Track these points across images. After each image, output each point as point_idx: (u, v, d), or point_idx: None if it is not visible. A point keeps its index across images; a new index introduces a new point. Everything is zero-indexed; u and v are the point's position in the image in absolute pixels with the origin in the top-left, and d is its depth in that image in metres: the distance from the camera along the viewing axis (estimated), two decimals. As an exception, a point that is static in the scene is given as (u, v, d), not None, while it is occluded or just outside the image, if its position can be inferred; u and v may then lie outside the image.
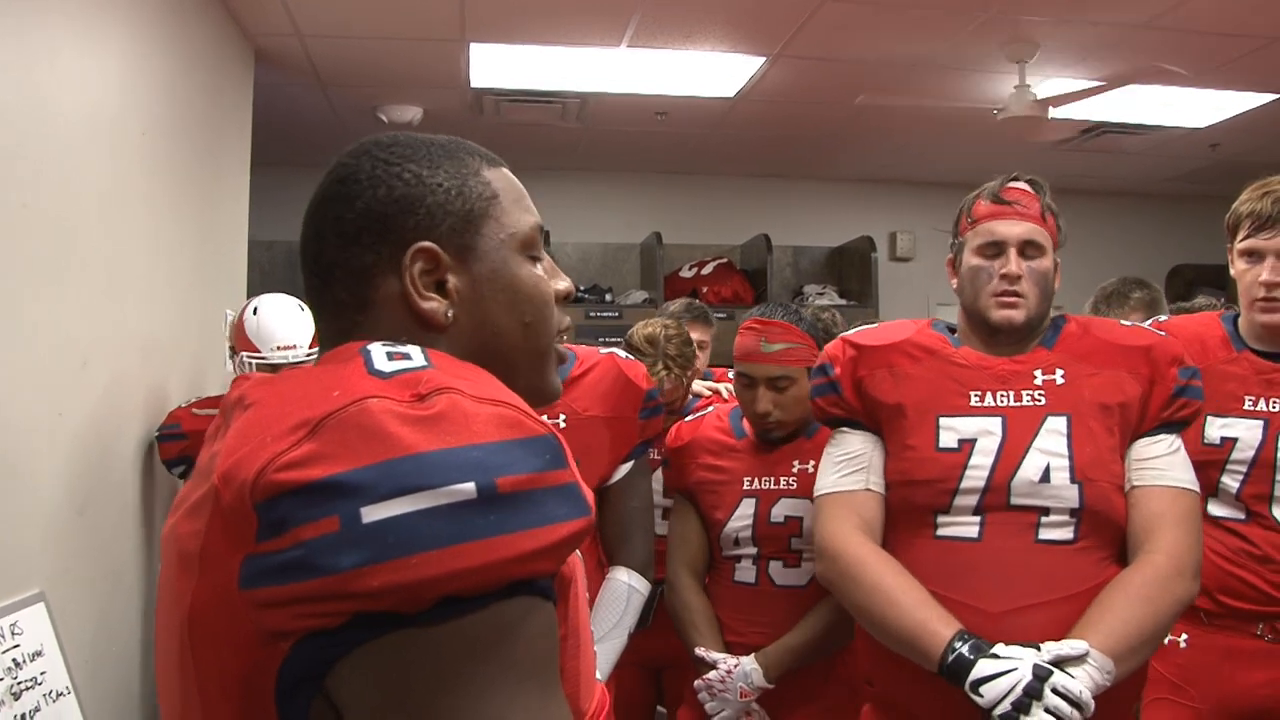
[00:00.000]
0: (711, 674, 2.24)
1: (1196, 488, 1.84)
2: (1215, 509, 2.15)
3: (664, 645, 2.49)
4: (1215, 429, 2.14)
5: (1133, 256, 7.10)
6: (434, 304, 0.92)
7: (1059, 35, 4.47)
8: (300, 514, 0.71)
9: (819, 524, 1.95)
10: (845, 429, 2.00)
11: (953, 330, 1.99)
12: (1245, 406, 2.13)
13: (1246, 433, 2.11)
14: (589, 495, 0.81)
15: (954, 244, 1.99)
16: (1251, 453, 2.10)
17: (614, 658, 2.17)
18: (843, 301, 6.98)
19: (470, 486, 0.72)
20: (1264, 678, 2.08)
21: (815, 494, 1.99)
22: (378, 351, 0.83)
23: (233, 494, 0.74)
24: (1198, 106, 5.54)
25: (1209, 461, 2.13)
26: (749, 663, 2.22)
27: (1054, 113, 4.91)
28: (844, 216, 7.42)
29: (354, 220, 0.92)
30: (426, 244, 0.91)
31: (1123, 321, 1.99)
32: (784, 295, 6.94)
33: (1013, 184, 1.94)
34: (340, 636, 0.72)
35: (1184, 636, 2.17)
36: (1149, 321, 2.29)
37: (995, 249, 1.89)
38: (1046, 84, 5.01)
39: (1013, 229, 1.88)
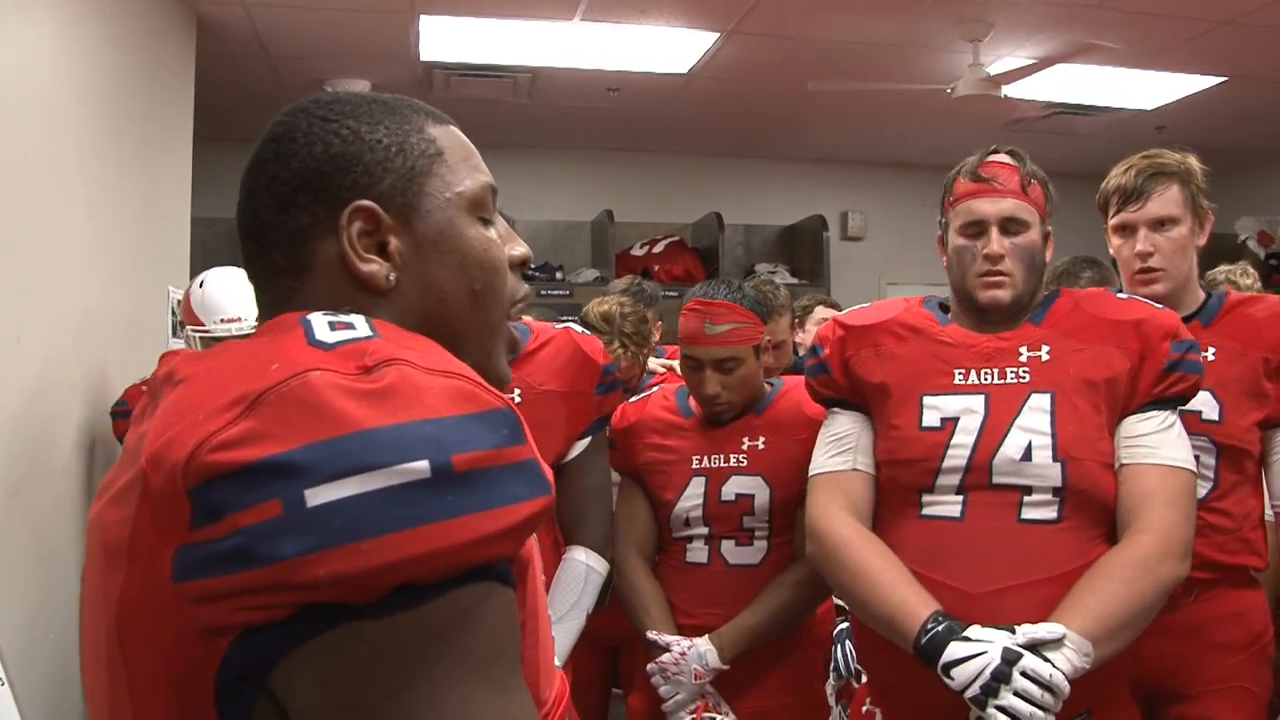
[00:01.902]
0: (665, 657, 2.21)
1: (1191, 466, 1.80)
2: None
3: (619, 624, 2.46)
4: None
5: (1083, 237, 7.11)
6: (374, 266, 0.86)
7: (1013, 13, 4.48)
8: (238, 498, 0.65)
9: (808, 504, 1.94)
10: (836, 409, 1.99)
11: (945, 308, 1.97)
12: None
13: None
14: (548, 473, 0.76)
15: (941, 222, 1.97)
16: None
17: (572, 640, 2.14)
18: (794, 280, 6.99)
19: (424, 465, 0.67)
20: (1152, 650, 1.90)
21: (810, 474, 1.98)
22: (319, 321, 0.77)
23: (163, 478, 0.68)
24: (1146, 89, 5.58)
25: None
26: (703, 644, 2.20)
27: (1008, 92, 4.91)
28: (796, 195, 7.42)
29: (289, 180, 0.86)
30: (365, 202, 0.86)
31: (1119, 295, 1.96)
32: (735, 274, 6.92)
33: (991, 158, 1.90)
34: (285, 630, 0.66)
35: None
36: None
37: (977, 228, 1.86)
38: (1000, 63, 5.02)
39: (992, 207, 1.85)
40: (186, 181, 4.15)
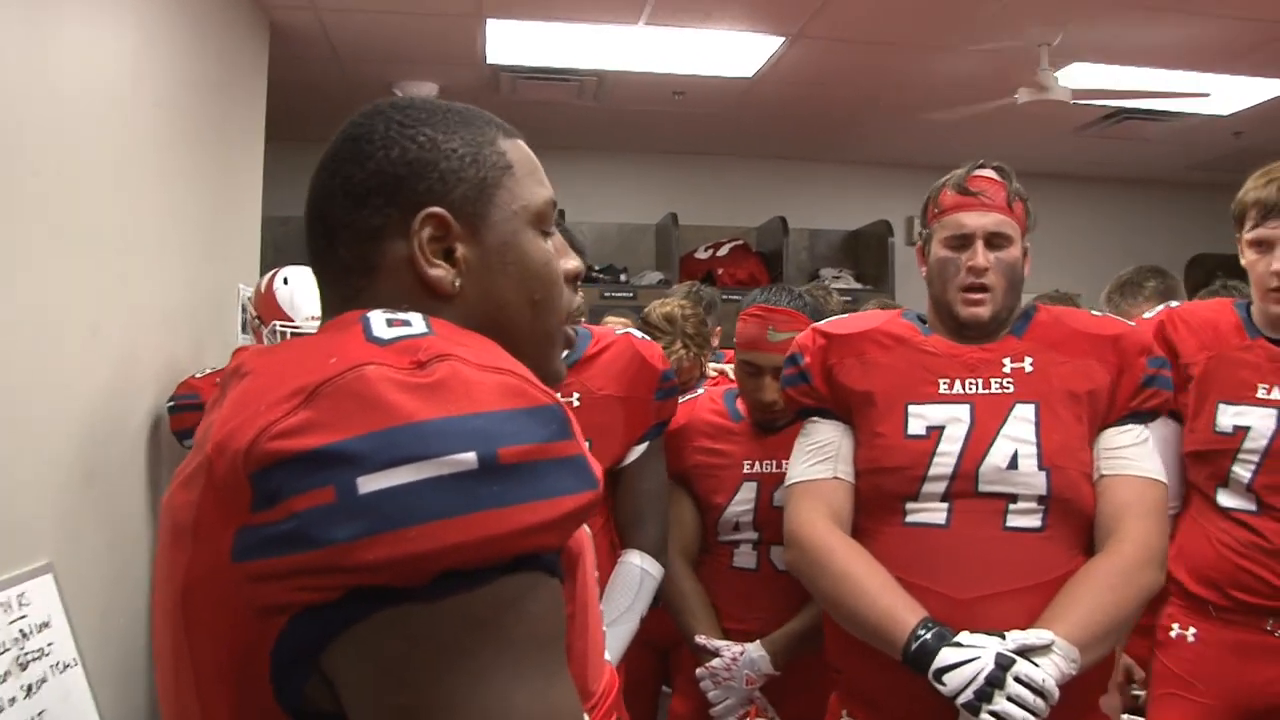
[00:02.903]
0: (715, 661, 2.21)
1: (1164, 478, 1.84)
2: (1225, 499, 2.11)
3: (669, 625, 2.47)
4: (1227, 417, 2.10)
5: (1152, 245, 7.04)
6: (441, 271, 0.89)
7: (1082, 16, 4.41)
8: (294, 484, 0.69)
9: (788, 513, 1.94)
10: (815, 418, 2.00)
11: (923, 320, 1.98)
12: (1259, 395, 2.08)
13: (1260, 421, 2.06)
14: (597, 468, 0.78)
15: (922, 233, 1.98)
16: (1265, 442, 2.05)
17: (626, 642, 2.15)
18: (858, 285, 6.95)
19: (471, 456, 0.70)
20: (1274, 674, 2.04)
21: (785, 484, 1.99)
22: (377, 318, 0.81)
23: (226, 464, 0.72)
24: (1222, 93, 5.46)
25: (1220, 450, 2.10)
26: (755, 649, 2.19)
27: (1077, 97, 4.84)
28: (861, 200, 7.37)
29: (364, 180, 0.90)
30: (437, 209, 0.89)
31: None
32: (799, 278, 6.89)
33: (979, 172, 1.91)
34: (335, 612, 0.70)
35: (1192, 630, 2.15)
36: (1160, 307, 2.26)
37: (962, 241, 1.87)
38: (1069, 68, 4.95)
39: (979, 220, 1.86)
40: (258, 181, 4.23)
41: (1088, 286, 3.60)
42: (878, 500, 1.88)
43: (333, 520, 0.68)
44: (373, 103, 0.96)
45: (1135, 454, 1.83)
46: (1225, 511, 2.11)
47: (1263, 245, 2.09)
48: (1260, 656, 2.06)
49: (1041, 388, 1.83)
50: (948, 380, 1.86)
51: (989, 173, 1.91)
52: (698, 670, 2.24)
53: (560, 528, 0.74)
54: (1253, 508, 2.08)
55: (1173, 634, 2.17)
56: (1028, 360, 1.85)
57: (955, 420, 1.83)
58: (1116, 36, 4.65)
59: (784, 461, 2.29)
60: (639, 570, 2.19)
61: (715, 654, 2.21)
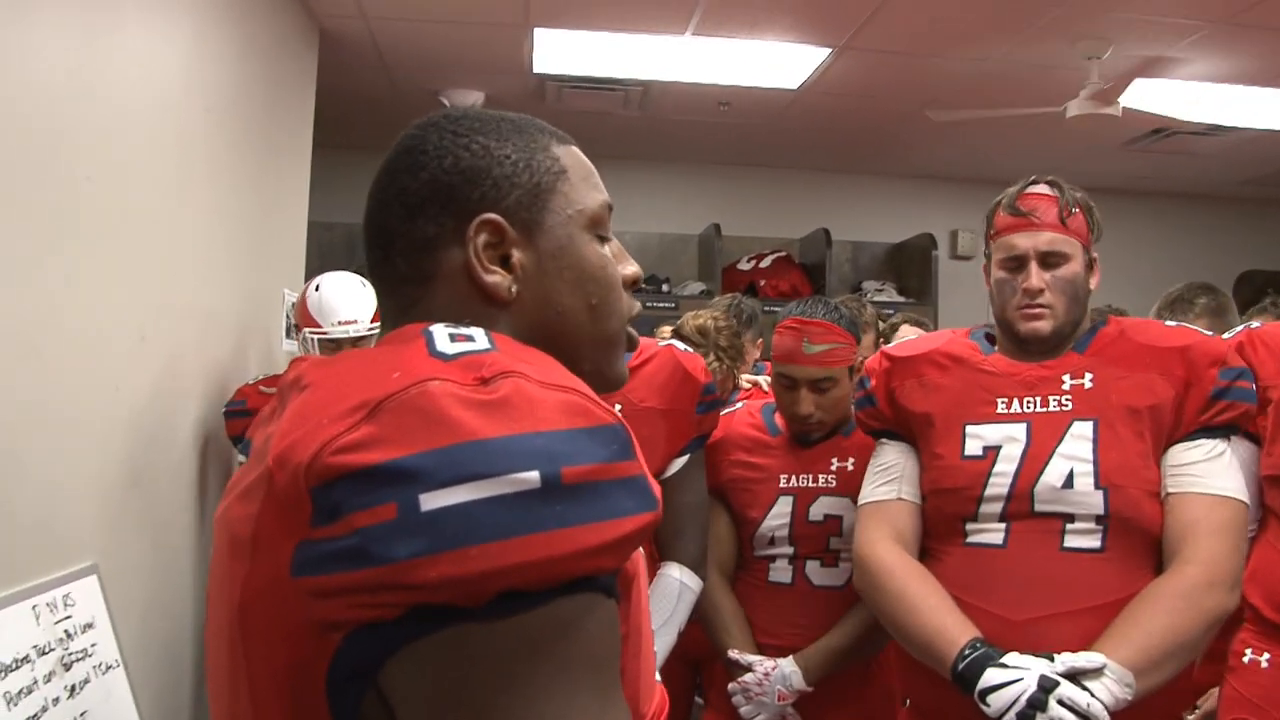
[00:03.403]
0: (748, 676, 2.20)
1: (1242, 496, 1.76)
2: None
3: (703, 637, 2.46)
4: None
5: (1201, 260, 6.95)
6: (498, 278, 0.89)
7: (1131, 30, 4.37)
8: (356, 500, 0.69)
9: (855, 534, 1.96)
10: (884, 440, 2.02)
11: (991, 339, 1.97)
12: None
13: None
14: (656, 488, 0.78)
15: (986, 253, 1.97)
16: None
17: (664, 655, 2.14)
18: (901, 299, 6.90)
19: (534, 475, 0.69)
20: None
21: (858, 505, 2.00)
22: (440, 333, 0.80)
23: (287, 477, 0.72)
24: (1276, 107, 5.38)
25: None
26: (788, 665, 2.18)
27: (1126, 111, 4.79)
28: (905, 212, 7.33)
29: (418, 190, 0.90)
30: (492, 216, 0.89)
31: (1167, 322, 1.93)
32: (842, 290, 6.86)
33: (1030, 190, 1.88)
34: (394, 630, 0.69)
35: (1265, 656, 2.10)
36: (1240, 327, 2.21)
37: (1016, 263, 1.86)
38: (1118, 82, 4.90)
39: (1030, 241, 1.84)
40: (305, 187, 4.28)
41: (1134, 302, 3.56)
42: (940, 521, 1.88)
43: (394, 537, 0.67)
44: (427, 115, 0.96)
45: (1205, 470, 1.75)
46: None
47: None
48: None
49: (1100, 404, 1.79)
50: (1006, 400, 1.84)
51: (1041, 189, 1.88)
52: (730, 685, 2.23)
53: (620, 549, 0.74)
54: None
55: (1245, 659, 2.12)
56: (1088, 376, 1.82)
57: (1011, 440, 1.81)
58: (1167, 52, 4.59)
59: (820, 476, 2.28)
60: (678, 583, 2.18)
61: (748, 669, 2.20)
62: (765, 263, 6.95)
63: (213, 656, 0.85)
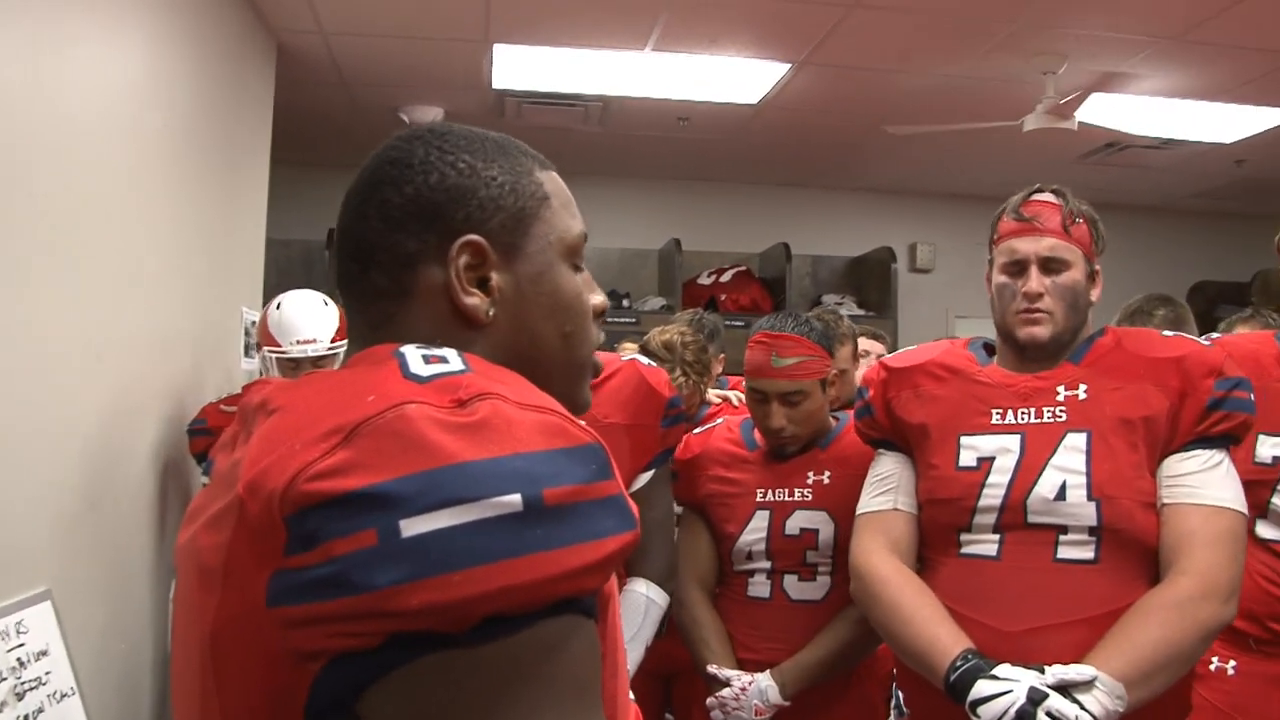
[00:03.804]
0: (725, 691, 2.19)
1: (1240, 506, 1.75)
2: (1264, 531, 2.10)
3: (674, 653, 2.45)
4: (1267, 448, 2.09)
5: (1155, 273, 7.03)
6: (476, 300, 0.88)
7: (1086, 46, 4.43)
8: (334, 527, 0.67)
9: (852, 544, 1.96)
10: (881, 450, 2.02)
11: (990, 350, 1.97)
12: None
13: None
14: (634, 507, 0.76)
15: (989, 259, 1.97)
16: None
17: (631, 670, 2.13)
18: (861, 312, 6.94)
19: (516, 498, 0.68)
20: None
21: (855, 515, 2.01)
22: (413, 354, 0.78)
23: (260, 505, 0.70)
24: (1225, 122, 5.48)
25: (1259, 481, 2.06)
26: (764, 679, 2.17)
27: (1081, 125, 4.85)
28: (864, 226, 7.39)
29: (402, 205, 0.88)
30: (475, 237, 0.88)
31: (1165, 332, 1.93)
32: (802, 305, 6.89)
33: (1035, 197, 1.90)
34: (375, 658, 0.67)
35: (1232, 663, 2.13)
36: (1216, 335, 2.23)
37: (1017, 267, 1.86)
38: (1073, 97, 4.96)
39: (1032, 246, 1.85)
40: (263, 203, 4.24)
41: (1091, 314, 3.61)
42: (935, 531, 1.88)
43: (375, 565, 0.66)
44: (410, 128, 0.95)
45: (1201, 480, 1.75)
46: (1264, 543, 2.09)
47: None
48: None
49: (1094, 416, 1.79)
50: (1000, 411, 1.85)
51: (1046, 196, 1.89)
52: (708, 700, 2.22)
53: (602, 569, 0.72)
54: None
55: (1212, 667, 2.14)
56: (1082, 388, 1.82)
57: (1005, 451, 1.81)
58: (1120, 67, 4.66)
59: (797, 490, 2.28)
60: (644, 599, 2.17)
61: (725, 683, 2.19)
62: (725, 277, 6.97)
63: (180, 691, 0.82)
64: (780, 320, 2.30)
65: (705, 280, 6.98)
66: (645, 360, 2.30)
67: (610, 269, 7.07)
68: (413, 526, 0.66)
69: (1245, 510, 1.76)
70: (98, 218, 2.47)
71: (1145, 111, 5.25)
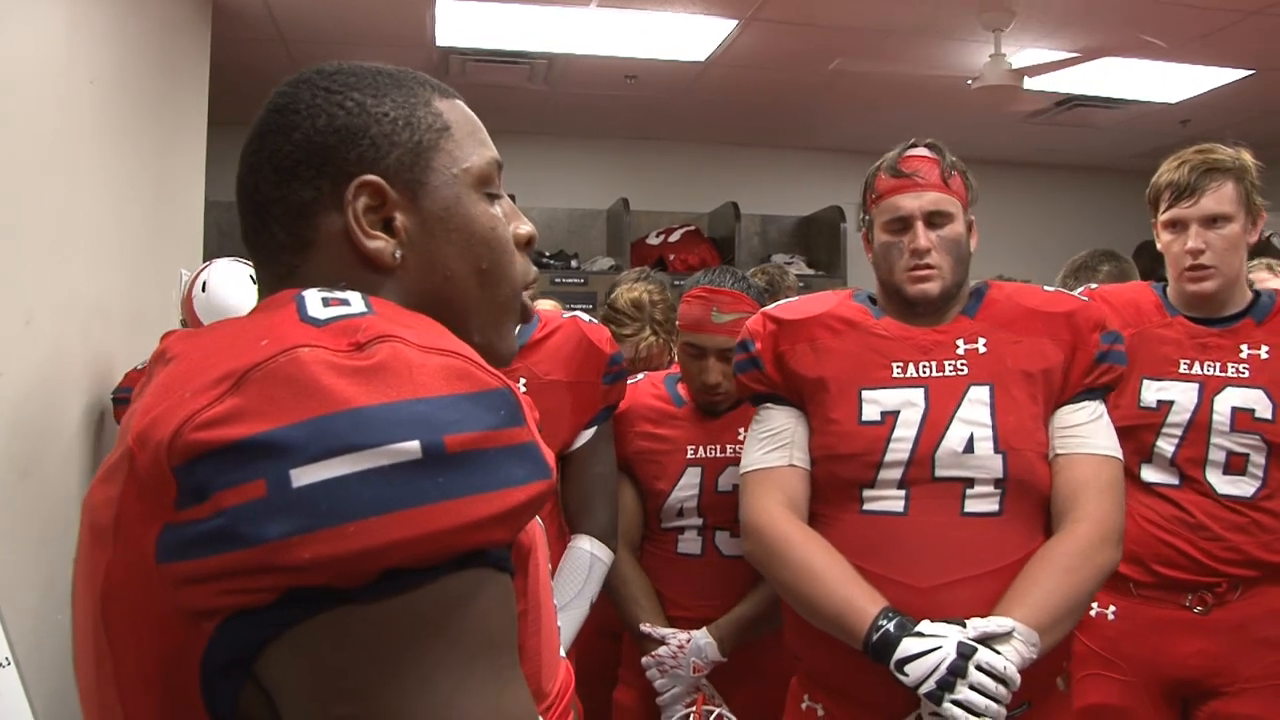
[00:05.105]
0: (662, 650, 2.18)
1: (1119, 454, 1.82)
2: (1149, 474, 2.17)
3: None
4: (1151, 392, 2.15)
5: (1102, 232, 7.08)
6: (380, 243, 0.84)
7: (1036, 4, 4.42)
8: (222, 477, 0.63)
9: (744, 502, 1.91)
10: (769, 405, 1.96)
11: (874, 301, 1.95)
12: (1180, 370, 2.15)
13: (1182, 395, 2.13)
14: (549, 456, 0.73)
15: (863, 219, 1.97)
16: (1187, 415, 2.12)
17: (576, 628, 2.12)
18: (810, 271, 6.95)
19: (414, 445, 0.65)
20: (1193, 648, 2.09)
21: (740, 471, 1.96)
22: (312, 297, 0.75)
23: (148, 456, 0.66)
24: (1170, 81, 5.51)
25: (1144, 425, 2.14)
26: (702, 636, 2.17)
27: (1028, 84, 4.86)
28: (814, 186, 7.36)
29: (291, 153, 0.84)
30: (371, 177, 0.84)
31: (1046, 288, 1.95)
32: (751, 264, 6.85)
33: (911, 152, 1.90)
34: (270, 615, 0.64)
35: (1111, 609, 2.19)
36: (1079, 290, 2.27)
37: (901, 224, 1.86)
38: (1022, 54, 4.96)
39: (915, 202, 1.84)
40: (201, 164, 4.13)
41: (1036, 273, 3.61)
42: (834, 487, 1.85)
43: (265, 516, 0.63)
44: (299, 71, 0.90)
45: (1090, 431, 1.81)
46: (1149, 487, 2.16)
47: (1176, 226, 2.17)
48: (1179, 632, 2.10)
49: (995, 368, 1.80)
50: (901, 364, 1.83)
51: (922, 151, 1.89)
52: (644, 659, 2.21)
53: (511, 520, 0.69)
54: (1175, 482, 2.14)
55: (1093, 613, 2.19)
56: (981, 341, 1.83)
57: (910, 405, 1.80)
58: (1067, 24, 4.66)
59: (729, 446, 2.27)
60: (589, 555, 2.16)
61: (661, 642, 2.19)
62: (674, 237, 6.94)
63: (80, 649, 0.79)
64: (719, 276, 2.28)
65: (654, 240, 6.94)
66: (586, 317, 2.27)
67: (558, 229, 7.02)
68: (304, 476, 0.63)
69: (1121, 458, 1.83)
70: (24, 179, 2.39)
71: (1092, 71, 5.26)
